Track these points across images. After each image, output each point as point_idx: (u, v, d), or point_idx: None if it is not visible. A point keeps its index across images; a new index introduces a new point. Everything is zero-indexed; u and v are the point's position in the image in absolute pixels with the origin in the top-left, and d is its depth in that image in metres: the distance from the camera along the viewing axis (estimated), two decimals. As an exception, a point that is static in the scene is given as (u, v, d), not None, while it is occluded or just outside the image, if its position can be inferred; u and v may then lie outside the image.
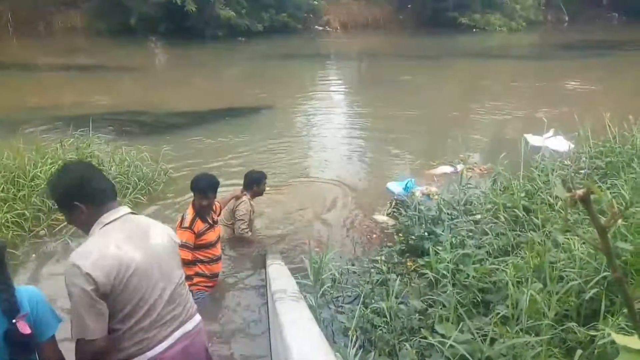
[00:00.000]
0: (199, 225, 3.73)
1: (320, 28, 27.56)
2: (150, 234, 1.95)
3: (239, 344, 3.46)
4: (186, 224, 3.66)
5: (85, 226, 1.91)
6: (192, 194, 3.85)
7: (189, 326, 2.00)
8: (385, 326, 3.10)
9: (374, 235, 5.03)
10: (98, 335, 1.73)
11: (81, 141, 6.48)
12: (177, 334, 1.95)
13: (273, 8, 24.42)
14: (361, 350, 2.91)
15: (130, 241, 1.86)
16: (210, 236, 3.79)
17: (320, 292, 3.52)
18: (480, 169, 6.73)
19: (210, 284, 3.90)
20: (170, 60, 20.59)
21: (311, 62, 18.48)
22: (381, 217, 5.45)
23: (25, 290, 1.69)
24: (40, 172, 5.47)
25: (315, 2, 27.04)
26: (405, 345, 2.84)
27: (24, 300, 1.64)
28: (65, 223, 4.95)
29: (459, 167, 6.57)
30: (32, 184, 5.34)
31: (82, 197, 1.86)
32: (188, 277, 3.78)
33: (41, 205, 5.18)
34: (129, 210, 1.98)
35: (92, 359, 1.74)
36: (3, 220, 4.77)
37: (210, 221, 3.84)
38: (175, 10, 21.58)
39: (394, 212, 5.44)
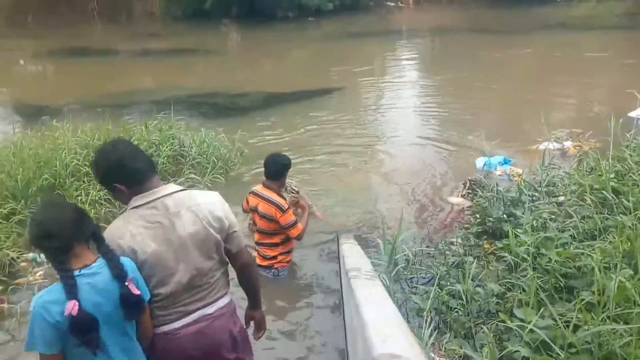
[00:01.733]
0: (287, 205, 3.90)
1: (392, 4, 26.94)
2: (178, 224, 1.91)
3: (314, 319, 3.56)
4: (285, 206, 3.81)
5: (127, 201, 1.96)
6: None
7: (209, 310, 2.04)
8: (461, 309, 3.06)
9: (449, 217, 4.93)
10: None
11: (163, 123, 6.82)
12: (195, 315, 2.01)
13: (344, -15, 24.19)
14: (436, 331, 2.89)
15: (149, 230, 1.87)
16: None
17: (394, 272, 3.52)
18: (592, 146, 6.16)
19: (288, 259, 4.06)
20: (243, 42, 21.02)
21: (382, 40, 18.13)
22: (456, 199, 5.33)
23: (125, 260, 1.83)
24: (128, 153, 5.82)
25: (386, -22, 26.50)
26: (482, 328, 2.79)
27: (127, 268, 1.79)
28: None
29: (567, 143, 6.25)
30: (121, 163, 5.70)
31: (122, 178, 1.89)
32: (272, 258, 3.95)
33: (129, 184, 5.52)
34: (170, 190, 1.95)
35: None
36: (97, 198, 5.16)
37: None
38: (247, -7, 21.96)
39: (468, 193, 5.30)
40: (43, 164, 5.48)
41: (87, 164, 5.55)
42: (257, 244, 4.07)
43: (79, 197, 5.13)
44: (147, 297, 1.87)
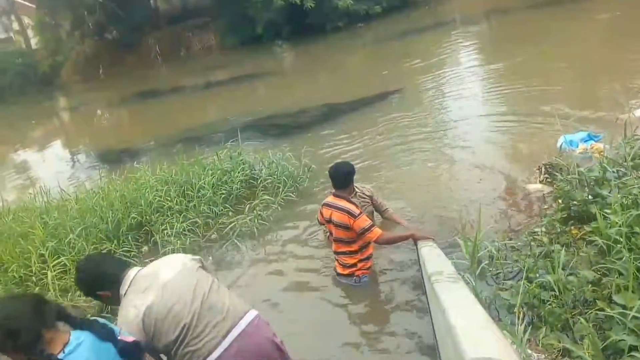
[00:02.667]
0: (359, 210, 3.93)
1: (440, -5, 26.31)
2: (160, 275, 2.28)
3: (401, 324, 3.53)
4: (356, 211, 3.85)
5: (117, 301, 2.29)
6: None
7: (242, 325, 2.21)
8: (555, 300, 2.92)
9: (530, 206, 4.73)
10: None
11: (233, 150, 7.09)
12: (229, 338, 2.17)
13: (389, -14, 24.04)
14: (530, 327, 2.78)
15: (143, 292, 2.21)
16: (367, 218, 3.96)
17: (478, 270, 3.43)
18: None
19: (369, 265, 4.07)
20: (297, 59, 21.42)
21: (434, 34, 17.77)
22: (534, 186, 5.09)
23: (98, 319, 1.99)
24: (204, 183, 6.13)
25: (431, -30, 25.97)
26: (579, 319, 2.65)
27: (110, 325, 1.95)
28: (231, 225, 5.51)
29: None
30: (199, 194, 6.01)
31: (102, 287, 2.29)
32: (352, 265, 3.99)
33: (209, 213, 5.80)
34: (137, 269, 2.34)
35: None
36: (180, 229, 5.45)
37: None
38: (295, 11, 22.44)
39: (546, 178, 5.05)
40: (130, 204, 5.87)
41: (169, 199, 5.90)
42: (336, 253, 4.12)
43: (165, 231, 5.45)
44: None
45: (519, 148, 6.30)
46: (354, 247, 3.98)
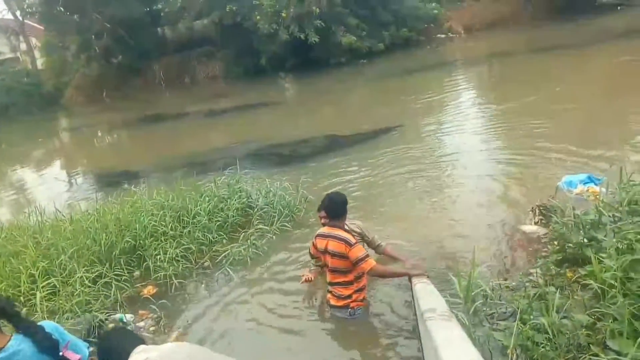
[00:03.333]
0: (355, 239, 3.92)
1: (443, 36, 26.95)
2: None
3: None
4: (352, 240, 3.85)
5: None
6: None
7: None
8: (548, 343, 2.88)
9: (525, 247, 4.71)
10: None
11: (231, 178, 7.11)
12: None
13: (393, 25, 24.64)
14: (523, 370, 2.74)
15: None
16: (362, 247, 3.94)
17: (472, 309, 3.39)
18: None
19: (363, 297, 4.03)
20: (299, 91, 21.75)
21: (436, 73, 18.11)
22: (529, 227, 5.09)
23: (49, 325, 1.82)
24: (200, 210, 6.11)
25: (435, 11, 26.66)
26: (574, 364, 2.61)
27: (56, 334, 1.77)
28: (225, 252, 5.48)
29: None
30: (195, 220, 5.98)
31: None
32: (347, 297, 3.95)
33: (203, 240, 5.77)
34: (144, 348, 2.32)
35: None
36: (174, 255, 5.40)
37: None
38: (300, 45, 22.91)
39: (541, 220, 5.06)
40: (124, 227, 5.83)
41: (164, 224, 5.87)
42: (331, 284, 4.07)
43: (158, 256, 5.40)
44: (86, 353, 1.82)
45: (516, 187, 6.32)
46: (350, 277, 3.95)
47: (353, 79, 20.66)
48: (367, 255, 3.84)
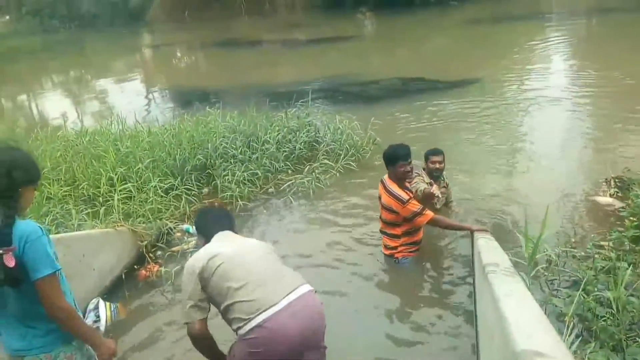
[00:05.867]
0: (408, 195, 3.83)
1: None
2: (243, 240, 2.64)
3: (442, 314, 3.49)
4: (405, 197, 3.75)
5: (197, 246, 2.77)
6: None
7: (299, 291, 2.28)
8: (610, 318, 2.79)
9: (598, 219, 4.49)
10: (192, 320, 2.30)
11: (301, 111, 7.13)
12: (288, 299, 2.22)
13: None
14: (579, 339, 2.68)
15: (222, 243, 2.50)
16: (417, 202, 3.86)
17: (534, 272, 3.31)
18: None
19: (414, 249, 4.00)
20: (378, 29, 21.04)
21: (528, 24, 16.88)
22: (605, 199, 4.82)
23: (24, 226, 1.85)
24: (270, 138, 6.23)
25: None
26: (636, 341, 2.53)
27: (16, 237, 1.81)
28: (289, 182, 5.60)
29: None
30: (263, 147, 6.11)
31: (200, 231, 2.74)
32: (393, 248, 3.96)
33: (269, 167, 5.91)
34: (230, 232, 2.66)
35: (194, 340, 2.36)
36: (241, 178, 5.59)
37: (410, 190, 3.92)
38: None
39: (616, 192, 4.78)
40: (197, 145, 6.07)
41: (234, 147, 6.05)
42: (381, 232, 4.09)
43: (226, 177, 5.61)
44: (38, 274, 1.84)
45: (594, 156, 5.95)
46: (397, 231, 3.92)
47: (437, 22, 19.66)
48: (424, 209, 3.77)
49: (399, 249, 3.97)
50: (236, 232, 2.76)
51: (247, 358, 2.19)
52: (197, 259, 2.36)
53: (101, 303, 3.68)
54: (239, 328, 2.20)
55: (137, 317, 3.74)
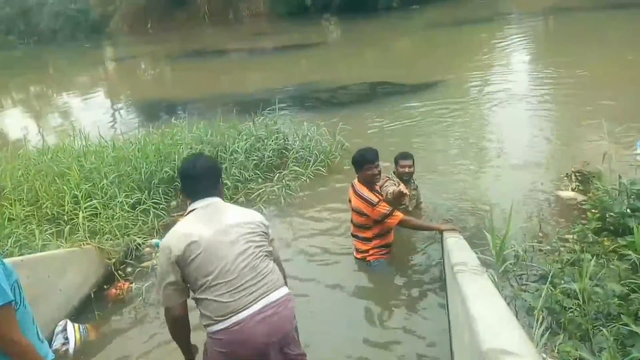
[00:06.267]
0: (377, 197, 3.85)
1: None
2: (227, 217, 2.29)
3: (415, 315, 3.51)
4: (375, 200, 3.79)
5: (182, 209, 2.39)
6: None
7: (273, 296, 2.20)
8: (577, 309, 2.86)
9: (561, 213, 4.61)
10: (169, 304, 2.21)
11: (269, 119, 7.11)
12: (261, 303, 2.16)
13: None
14: (548, 332, 2.74)
15: (204, 224, 2.23)
16: (387, 204, 3.89)
17: (502, 268, 3.37)
18: None
19: (385, 252, 4.03)
20: (343, 35, 21.20)
21: (489, 25, 17.28)
22: (567, 193, 4.96)
23: None
24: (238, 147, 6.18)
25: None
26: (601, 330, 2.59)
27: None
28: (259, 191, 5.57)
29: None
30: (232, 157, 6.07)
31: (186, 190, 2.42)
32: (364, 251, 3.98)
33: (239, 177, 5.86)
34: (216, 200, 2.36)
35: (173, 324, 2.26)
36: (210, 190, 5.52)
37: (379, 193, 3.95)
38: (347, -15, 22.13)
39: (578, 186, 4.93)
40: (163, 158, 5.98)
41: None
42: (352, 235, 4.11)
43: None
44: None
45: (557, 153, 6.12)
46: (368, 234, 3.95)
47: (402, 26, 19.94)
48: (393, 210, 3.81)
49: (371, 252, 3.99)
50: (222, 192, 2.49)
51: (216, 356, 2.19)
52: (175, 243, 2.18)
53: (69, 325, 3.58)
54: (208, 325, 2.18)
55: (108, 337, 3.65)
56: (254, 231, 2.30)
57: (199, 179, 2.35)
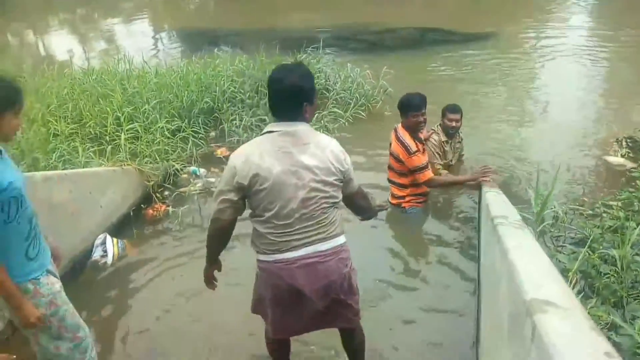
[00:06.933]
0: (418, 146, 3.77)
1: None
2: (303, 155, 2.03)
3: (444, 264, 3.51)
4: (413, 148, 3.70)
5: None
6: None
7: (322, 246, 2.08)
8: (614, 275, 2.80)
9: (607, 178, 4.44)
10: (221, 217, 2.08)
11: (312, 57, 6.95)
12: (310, 249, 2.06)
13: None
14: (580, 295, 2.70)
15: (277, 154, 2.01)
16: (425, 157, 3.82)
17: (540, 227, 3.30)
18: None
19: (421, 200, 4.00)
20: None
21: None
22: (616, 159, 4.76)
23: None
24: (278, 84, 6.09)
25: None
26: (637, 299, 2.54)
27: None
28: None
29: None
30: (272, 93, 5.99)
31: (271, 104, 2.13)
32: (400, 197, 3.94)
33: (277, 113, 5.81)
34: (304, 126, 2.08)
35: (213, 235, 2.15)
36: (248, 123, 5.53)
37: (421, 142, 3.86)
38: None
39: (628, 153, 4.71)
40: (204, 88, 5.98)
41: (242, 92, 5.95)
42: (389, 181, 4.07)
43: (234, 121, 5.54)
44: None
45: (608, 116, 5.84)
46: (404, 180, 3.90)
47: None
48: (426, 167, 3.73)
49: (407, 198, 3.96)
50: (312, 115, 2.21)
51: (262, 284, 2.18)
52: (241, 169, 2.01)
53: (108, 239, 3.74)
54: (256, 252, 2.16)
55: (144, 254, 3.80)
56: (326, 180, 2.08)
57: (283, 98, 2.06)
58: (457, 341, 2.83)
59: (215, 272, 2.37)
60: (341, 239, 2.17)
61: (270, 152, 2.02)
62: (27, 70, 7.39)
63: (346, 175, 2.18)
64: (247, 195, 2.07)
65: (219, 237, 2.18)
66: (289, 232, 2.05)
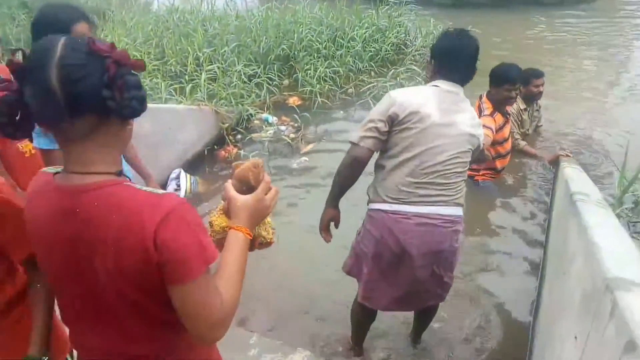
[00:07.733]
0: (499, 119, 3.57)
1: None
2: (461, 117, 2.03)
3: (511, 238, 3.44)
4: (487, 112, 3.49)
5: (429, 79, 2.15)
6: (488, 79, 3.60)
7: (445, 210, 2.02)
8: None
9: None
10: (363, 145, 2.01)
11: (394, 9, 6.74)
12: (432, 209, 2.00)
13: None
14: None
15: (438, 106, 1.99)
16: (506, 131, 3.65)
17: (618, 210, 3.13)
18: None
19: (496, 176, 3.87)
20: None
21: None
22: None
23: None
24: (356, 35, 5.99)
25: None
26: None
27: None
28: (371, 85, 5.44)
29: None
30: (349, 44, 5.92)
31: (442, 63, 2.09)
32: (474, 170, 3.81)
33: (352, 66, 5.75)
34: (461, 91, 2.08)
35: (347, 165, 2.07)
36: (322, 74, 5.50)
37: (505, 116, 3.66)
38: None
39: None
40: (282, 35, 5.97)
41: (319, 41, 5.89)
42: None
43: (308, 71, 5.54)
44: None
45: None
46: None
47: None
48: (483, 149, 3.50)
49: (481, 172, 3.83)
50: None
51: (367, 236, 2.13)
52: (401, 101, 1.98)
53: (182, 174, 3.93)
54: (372, 201, 2.11)
55: (214, 192, 3.96)
56: (469, 148, 2.08)
57: (461, 63, 2.07)
58: (516, 315, 2.80)
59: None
60: (460, 211, 2.10)
61: (433, 101, 2.01)
62: (115, 4, 7.67)
63: (480, 141, 2.16)
64: (393, 130, 2.02)
65: (354, 168, 2.08)
66: (417, 183, 2.00)
